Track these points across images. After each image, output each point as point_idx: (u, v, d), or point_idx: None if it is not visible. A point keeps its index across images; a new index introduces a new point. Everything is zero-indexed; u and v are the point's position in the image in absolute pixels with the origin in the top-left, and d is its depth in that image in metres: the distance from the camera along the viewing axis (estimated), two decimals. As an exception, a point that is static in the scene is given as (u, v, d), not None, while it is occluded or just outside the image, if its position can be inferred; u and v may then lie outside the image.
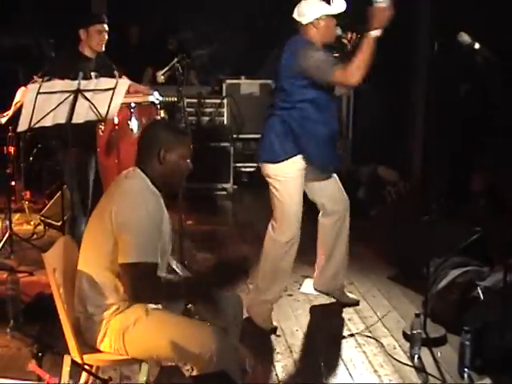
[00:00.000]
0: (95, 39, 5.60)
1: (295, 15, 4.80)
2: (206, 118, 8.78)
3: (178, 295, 3.48)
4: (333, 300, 5.46)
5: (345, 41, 4.90)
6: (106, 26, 5.63)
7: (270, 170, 4.86)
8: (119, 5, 8.84)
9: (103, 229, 3.33)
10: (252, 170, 9.02)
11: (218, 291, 3.66)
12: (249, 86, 9.07)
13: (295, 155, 4.81)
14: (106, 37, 5.65)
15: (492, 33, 4.41)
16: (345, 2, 4.72)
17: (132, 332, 3.29)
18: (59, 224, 6.68)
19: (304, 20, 4.74)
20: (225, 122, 8.89)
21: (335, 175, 5.21)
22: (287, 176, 4.82)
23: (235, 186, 8.67)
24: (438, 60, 4.48)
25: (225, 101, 8.86)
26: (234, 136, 8.79)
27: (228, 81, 9.12)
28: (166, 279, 3.48)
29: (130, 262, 3.22)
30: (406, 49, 8.45)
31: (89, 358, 3.35)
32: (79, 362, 3.30)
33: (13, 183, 7.12)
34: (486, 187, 6.92)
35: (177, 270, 3.71)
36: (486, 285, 4.90)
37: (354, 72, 4.48)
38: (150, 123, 3.99)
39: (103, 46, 5.67)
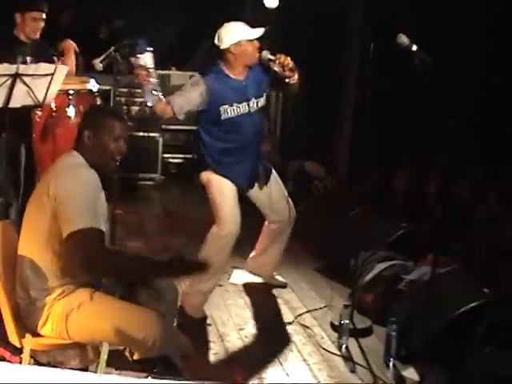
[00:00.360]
0: (30, 26, 5.47)
1: (215, 40, 4.94)
2: (136, 108, 8.75)
3: (130, 267, 3.39)
4: (262, 291, 5.57)
5: (274, 65, 4.94)
6: (43, 14, 5.50)
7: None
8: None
9: (41, 208, 3.33)
10: (180, 161, 9.05)
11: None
12: (179, 77, 9.06)
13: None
14: (42, 24, 5.52)
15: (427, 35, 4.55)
16: (260, 29, 4.86)
17: (75, 316, 3.32)
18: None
19: (222, 45, 4.89)
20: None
21: (278, 184, 5.40)
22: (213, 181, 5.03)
23: (163, 177, 8.69)
24: (373, 59, 4.63)
25: (155, 91, 8.84)
26: (163, 127, 8.79)
27: (158, 71, 9.08)
28: (117, 250, 3.52)
29: (75, 229, 3.19)
30: (337, 44, 8.62)
31: (27, 342, 3.33)
32: (18, 345, 3.32)
33: None
34: (408, 185, 7.13)
35: None
36: (410, 278, 5.08)
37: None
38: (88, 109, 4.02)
39: (38, 33, 5.55)
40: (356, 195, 5.49)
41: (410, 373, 4.34)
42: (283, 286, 5.70)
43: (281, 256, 5.63)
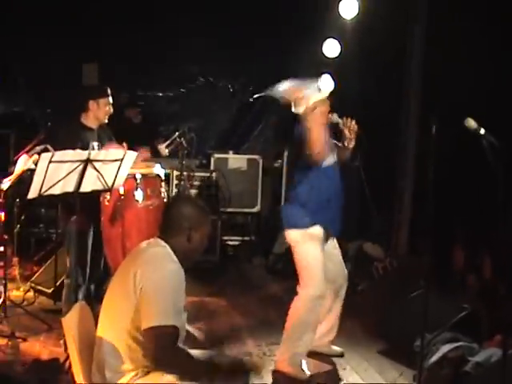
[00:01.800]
0: (103, 111, 5.74)
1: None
2: (195, 191, 8.92)
3: (197, 370, 3.45)
4: (326, 373, 5.54)
5: (343, 128, 5.28)
6: (111, 99, 5.79)
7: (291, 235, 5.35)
8: (109, 76, 9.02)
9: (125, 293, 3.40)
10: (237, 243, 9.14)
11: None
12: (236, 160, 9.27)
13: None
14: (112, 109, 5.81)
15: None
16: (330, 84, 5.18)
17: (149, 398, 3.35)
18: (50, 291, 6.73)
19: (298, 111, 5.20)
20: (212, 195, 9.02)
21: (337, 248, 5.57)
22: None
23: (221, 259, 8.77)
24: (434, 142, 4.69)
25: (213, 174, 9.03)
26: (221, 209, 8.93)
27: (216, 155, 9.32)
28: (187, 351, 3.54)
29: (154, 325, 3.28)
30: (393, 123, 8.70)
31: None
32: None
33: (1, 249, 7.14)
34: (466, 264, 7.10)
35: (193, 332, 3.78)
36: (477, 360, 5.02)
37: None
38: (180, 199, 4.11)
39: (107, 117, 5.83)
40: (416, 276, 5.46)
41: None
42: (341, 354, 5.78)
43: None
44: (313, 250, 5.27)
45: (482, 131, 3.77)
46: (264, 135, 9.85)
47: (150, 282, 3.35)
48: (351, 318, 6.79)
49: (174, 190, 8.43)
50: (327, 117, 5.24)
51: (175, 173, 8.14)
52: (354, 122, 5.26)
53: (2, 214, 6.87)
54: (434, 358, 5.27)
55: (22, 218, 7.94)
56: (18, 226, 7.84)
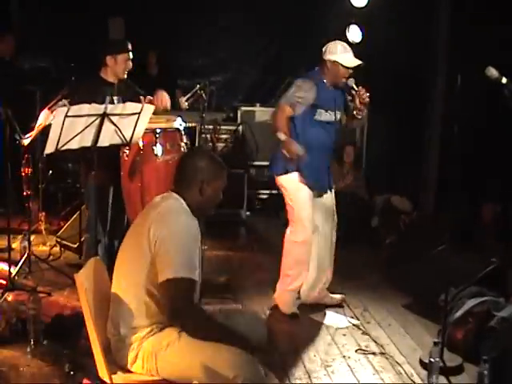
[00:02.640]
0: (121, 67, 5.68)
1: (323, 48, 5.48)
2: (221, 145, 8.85)
3: (210, 329, 3.41)
4: (350, 326, 5.51)
5: (354, 92, 5.47)
6: (131, 55, 5.71)
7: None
8: (135, 31, 8.93)
9: (140, 248, 3.37)
10: (265, 196, 9.08)
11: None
12: (263, 113, 9.15)
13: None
14: (131, 65, 5.73)
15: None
16: (358, 61, 5.38)
17: (165, 354, 3.34)
18: (75, 246, 6.75)
19: (324, 56, 5.49)
20: (239, 149, 8.93)
21: (332, 197, 5.73)
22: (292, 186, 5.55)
23: (248, 213, 8.72)
24: (460, 91, 4.57)
25: (240, 128, 8.93)
26: (248, 163, 8.85)
27: (243, 108, 9.22)
28: (203, 308, 3.51)
29: (170, 277, 3.26)
30: (421, 76, 8.55)
31: (118, 378, 3.40)
32: (108, 381, 3.36)
33: (30, 204, 7.16)
34: (496, 218, 6.98)
35: None
36: (502, 315, 4.93)
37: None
38: (191, 151, 4.06)
39: (126, 73, 5.76)
40: (444, 229, 5.37)
41: (504, 413, 4.20)
42: (341, 302, 5.94)
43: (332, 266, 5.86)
44: (299, 195, 5.53)
45: (504, 80, 3.63)
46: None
47: (164, 236, 3.32)
48: (377, 271, 6.78)
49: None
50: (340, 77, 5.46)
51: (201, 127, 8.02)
52: (367, 94, 5.41)
53: (28, 170, 6.92)
54: (459, 313, 5.20)
55: (50, 173, 7.94)
56: (45, 181, 7.86)
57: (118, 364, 3.45)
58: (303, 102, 5.41)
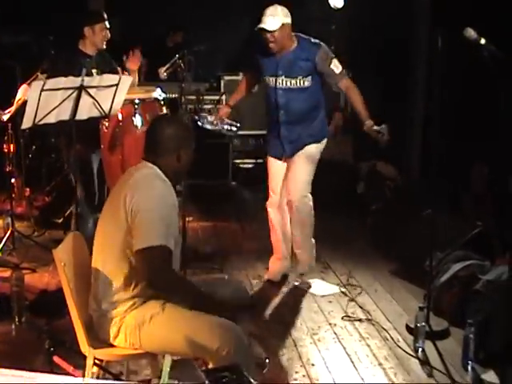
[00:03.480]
0: (100, 36, 5.63)
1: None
2: (205, 115, 8.75)
3: (188, 296, 3.43)
4: (336, 293, 5.51)
5: None
6: (108, 24, 5.65)
7: None
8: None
9: (117, 219, 3.33)
10: (250, 166, 9.03)
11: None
12: (247, 82, 9.06)
13: None
14: (109, 34, 5.67)
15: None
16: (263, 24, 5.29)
17: (148, 327, 3.32)
18: (60, 221, 6.71)
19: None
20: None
21: (302, 160, 5.56)
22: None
23: (234, 183, 8.67)
24: (441, 54, 4.52)
25: (223, 97, 8.85)
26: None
27: (226, 77, 9.13)
28: (181, 275, 3.50)
29: (146, 246, 3.22)
30: (406, 45, 8.49)
31: (100, 353, 3.39)
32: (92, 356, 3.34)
33: (13, 181, 7.12)
34: (484, 183, 6.94)
35: None
36: (488, 278, 4.93)
37: None
38: (164, 119, 3.99)
39: (105, 43, 5.69)
40: (429, 194, 5.34)
41: (490, 376, 4.19)
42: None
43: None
44: (269, 162, 5.72)
45: (483, 41, 3.58)
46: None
47: (139, 204, 3.28)
48: (363, 237, 6.78)
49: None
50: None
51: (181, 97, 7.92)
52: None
53: (10, 146, 6.86)
54: (445, 277, 5.20)
55: (33, 148, 7.88)
56: (30, 156, 7.80)
57: (100, 339, 3.42)
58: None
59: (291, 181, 5.53)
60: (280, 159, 5.62)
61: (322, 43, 5.43)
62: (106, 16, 5.68)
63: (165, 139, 3.49)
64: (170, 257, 3.31)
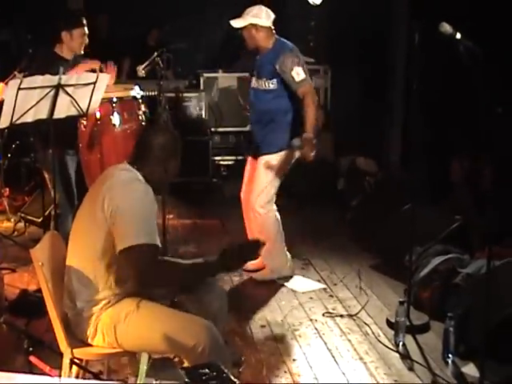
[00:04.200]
0: (78, 42, 5.51)
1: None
2: (185, 112, 8.74)
3: (186, 275, 3.45)
4: (316, 290, 5.51)
5: None
6: (86, 29, 5.55)
7: None
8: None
9: (94, 219, 3.31)
10: (230, 163, 9.02)
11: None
12: (226, 79, 9.07)
13: None
14: (87, 40, 5.58)
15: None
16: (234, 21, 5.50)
17: (124, 326, 3.31)
18: (39, 220, 6.67)
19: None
20: (203, 116, 8.83)
21: (261, 168, 5.59)
22: None
23: (214, 180, 8.66)
24: (418, 49, 4.53)
25: (203, 94, 8.83)
26: (212, 129, 8.78)
27: (205, 74, 9.11)
28: (169, 260, 3.60)
29: (130, 245, 3.20)
30: (384, 39, 8.51)
31: (79, 352, 3.37)
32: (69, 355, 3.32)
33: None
34: (464, 176, 6.97)
35: None
36: (467, 271, 4.96)
37: None
38: (152, 128, 4.00)
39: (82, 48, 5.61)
40: (409, 189, 5.36)
41: (470, 369, 4.23)
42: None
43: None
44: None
45: (458, 36, 3.59)
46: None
47: (120, 204, 3.26)
48: (343, 233, 6.79)
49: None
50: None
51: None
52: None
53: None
54: (425, 272, 5.22)
55: (13, 147, 7.82)
56: (9, 155, 7.74)
57: (78, 338, 3.41)
58: None
59: (253, 187, 5.65)
60: (251, 157, 5.80)
61: (292, 49, 5.47)
62: (85, 21, 5.54)
63: (152, 149, 3.48)
64: (157, 253, 3.30)
